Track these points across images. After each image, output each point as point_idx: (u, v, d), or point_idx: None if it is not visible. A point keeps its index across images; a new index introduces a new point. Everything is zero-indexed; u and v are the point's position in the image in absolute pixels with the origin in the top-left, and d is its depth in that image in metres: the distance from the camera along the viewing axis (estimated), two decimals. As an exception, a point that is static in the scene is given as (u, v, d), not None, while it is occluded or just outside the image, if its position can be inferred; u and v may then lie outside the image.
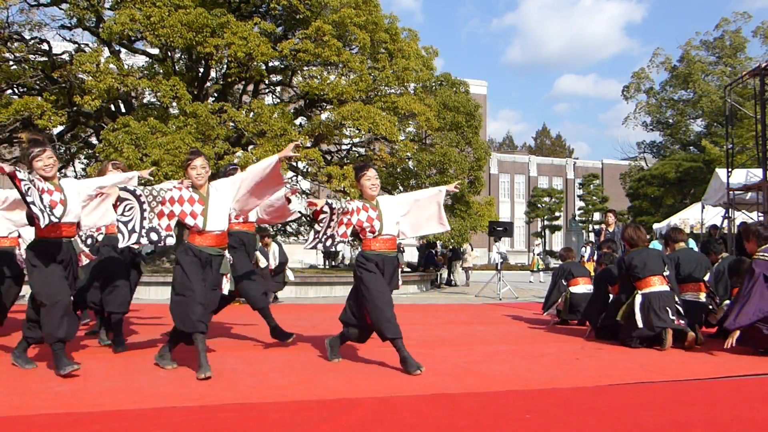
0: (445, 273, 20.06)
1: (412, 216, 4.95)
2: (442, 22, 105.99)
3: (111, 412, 3.30)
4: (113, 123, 13.06)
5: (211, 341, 6.03)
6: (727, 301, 6.32)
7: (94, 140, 15.83)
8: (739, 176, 14.77)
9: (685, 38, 34.17)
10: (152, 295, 11.26)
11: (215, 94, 15.30)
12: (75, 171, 18.43)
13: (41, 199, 3.98)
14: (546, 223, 46.40)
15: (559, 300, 7.96)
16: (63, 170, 16.03)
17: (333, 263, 25.81)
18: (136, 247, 4.79)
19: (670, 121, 34.90)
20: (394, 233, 4.70)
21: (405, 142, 15.51)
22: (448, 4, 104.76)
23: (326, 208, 4.56)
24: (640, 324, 5.68)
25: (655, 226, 21.20)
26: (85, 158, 18.37)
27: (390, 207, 4.77)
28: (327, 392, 3.82)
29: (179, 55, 14.75)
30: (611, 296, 7.05)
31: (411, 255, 26.71)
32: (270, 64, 14.88)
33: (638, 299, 5.80)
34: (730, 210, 14.56)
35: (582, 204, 45.19)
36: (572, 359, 5.02)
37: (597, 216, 41.61)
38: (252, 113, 13.77)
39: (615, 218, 10.00)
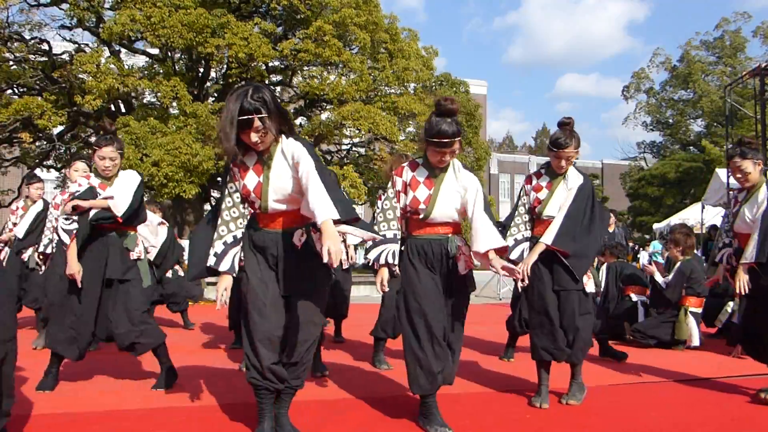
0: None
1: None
2: (444, 21, 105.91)
3: (111, 412, 3.30)
4: (113, 123, 13.05)
5: (209, 341, 6.04)
6: (731, 303, 6.31)
7: (94, 140, 15.83)
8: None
9: (688, 38, 34.03)
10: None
11: (215, 94, 15.30)
12: (75, 171, 18.40)
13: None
14: (546, 223, 46.32)
15: None
16: (63, 170, 16.03)
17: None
18: None
19: (670, 121, 34.86)
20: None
21: (405, 142, 15.50)
22: (451, 3, 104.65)
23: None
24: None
25: (655, 226, 21.20)
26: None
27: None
28: (327, 392, 3.82)
29: (179, 55, 14.75)
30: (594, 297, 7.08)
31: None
32: (270, 64, 14.87)
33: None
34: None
35: (582, 204, 45.09)
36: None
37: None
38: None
39: (615, 219, 9.97)
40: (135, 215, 3.88)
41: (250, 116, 2.65)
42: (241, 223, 2.89)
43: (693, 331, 5.83)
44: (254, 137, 2.70)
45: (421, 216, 3.24)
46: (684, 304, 5.91)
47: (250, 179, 2.82)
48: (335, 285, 5.44)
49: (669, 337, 5.84)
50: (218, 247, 2.84)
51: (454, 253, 3.21)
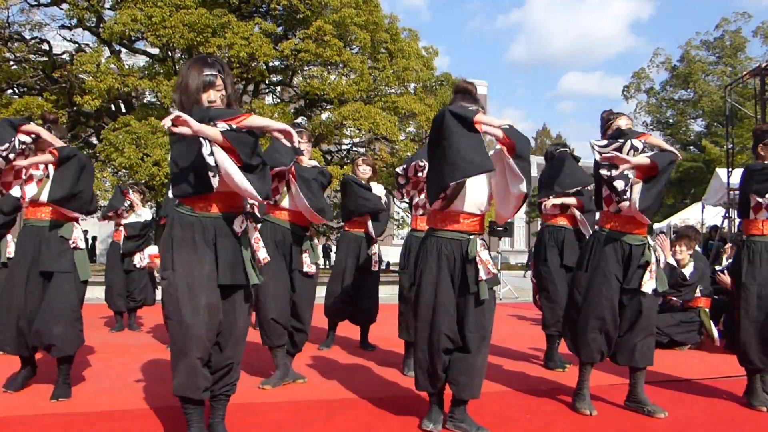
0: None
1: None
2: (448, 20, 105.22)
3: (111, 412, 3.30)
4: (114, 123, 13.07)
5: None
6: None
7: (94, 140, 15.84)
8: (740, 176, 14.75)
9: (690, 37, 33.93)
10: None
11: (216, 94, 15.30)
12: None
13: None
14: (546, 222, 46.29)
15: None
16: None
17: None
18: None
19: (670, 121, 34.82)
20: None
21: (405, 142, 15.52)
22: (455, 1, 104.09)
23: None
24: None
25: (656, 225, 21.17)
26: (85, 158, 18.34)
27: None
28: (327, 392, 3.82)
29: (180, 55, 14.77)
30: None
31: (411, 255, 26.64)
32: (270, 64, 14.89)
33: None
34: (730, 210, 14.54)
35: (582, 204, 45.05)
36: (573, 359, 5.01)
37: (597, 216, 41.50)
38: (252, 113, 13.77)
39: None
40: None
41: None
42: None
43: (714, 330, 5.88)
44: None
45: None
46: (699, 305, 5.94)
47: None
48: (362, 288, 5.32)
49: (681, 338, 5.82)
50: None
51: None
